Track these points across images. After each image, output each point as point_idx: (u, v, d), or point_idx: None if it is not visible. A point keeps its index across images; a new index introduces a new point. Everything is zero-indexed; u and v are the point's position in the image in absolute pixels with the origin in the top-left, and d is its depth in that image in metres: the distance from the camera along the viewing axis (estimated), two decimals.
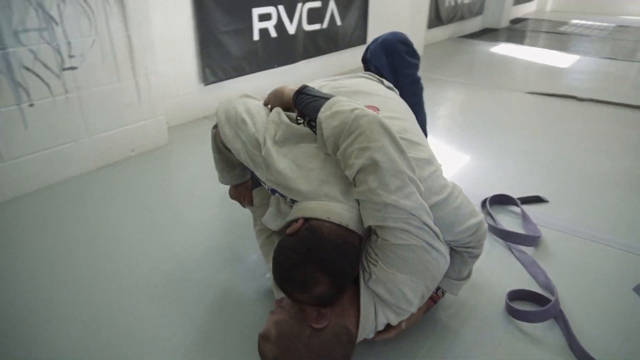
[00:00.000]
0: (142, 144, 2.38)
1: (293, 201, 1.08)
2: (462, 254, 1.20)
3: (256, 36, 3.02)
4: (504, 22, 7.07)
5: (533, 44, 5.96)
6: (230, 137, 1.18)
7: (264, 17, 3.03)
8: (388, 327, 1.14)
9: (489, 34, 6.55)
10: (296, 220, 1.03)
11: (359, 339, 1.07)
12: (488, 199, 1.94)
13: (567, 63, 4.75)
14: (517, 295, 1.40)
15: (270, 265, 1.18)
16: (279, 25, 3.17)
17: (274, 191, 1.14)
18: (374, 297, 1.05)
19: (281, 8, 3.14)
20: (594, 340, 1.25)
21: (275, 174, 1.07)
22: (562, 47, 5.76)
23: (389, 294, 1.03)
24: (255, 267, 1.54)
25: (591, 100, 3.41)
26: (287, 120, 1.14)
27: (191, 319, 1.33)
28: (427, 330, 1.30)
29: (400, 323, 1.14)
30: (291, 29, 3.28)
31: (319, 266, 0.96)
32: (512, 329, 1.31)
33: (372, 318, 1.07)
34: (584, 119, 3.07)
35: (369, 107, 1.14)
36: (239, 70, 3.01)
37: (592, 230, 1.78)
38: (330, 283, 0.97)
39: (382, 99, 1.29)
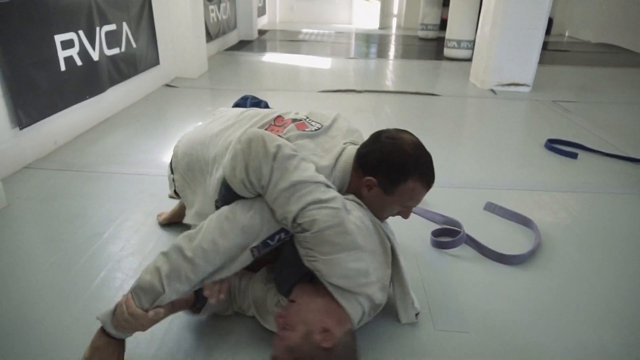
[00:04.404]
0: None
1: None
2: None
3: (63, 66, 2.65)
4: (255, 34, 7.83)
5: (289, 51, 6.87)
6: None
7: (67, 44, 2.68)
8: None
9: (246, 45, 7.16)
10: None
11: (357, 326, 1.19)
12: None
13: (326, 64, 5.74)
14: (438, 232, 1.88)
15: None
16: (83, 52, 2.85)
17: None
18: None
19: (81, 33, 2.83)
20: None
21: None
22: (313, 51, 6.85)
23: (344, 280, 1.12)
24: None
25: (366, 91, 4.33)
26: None
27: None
28: None
29: None
30: (95, 55, 2.99)
31: None
32: (440, 255, 1.78)
33: (357, 307, 1.16)
34: (370, 104, 3.90)
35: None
36: (52, 107, 2.60)
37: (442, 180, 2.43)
38: None
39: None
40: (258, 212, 1.14)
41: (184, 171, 1.52)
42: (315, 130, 1.36)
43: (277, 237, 1.16)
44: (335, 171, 1.27)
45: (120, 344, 1.14)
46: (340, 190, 1.25)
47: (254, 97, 1.93)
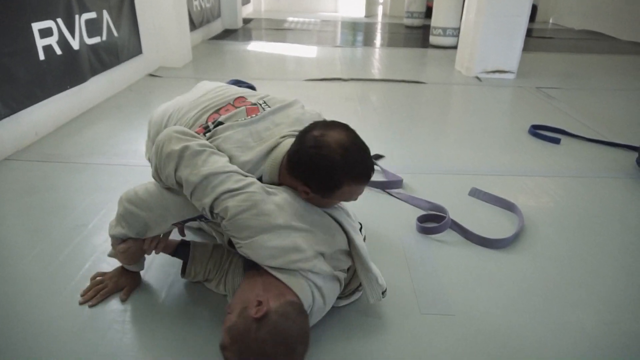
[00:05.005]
0: None
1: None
2: None
3: (42, 55, 2.59)
4: (239, 23, 7.74)
5: (274, 40, 6.81)
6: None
7: (46, 33, 2.62)
8: None
9: (231, 34, 7.07)
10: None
11: (318, 311, 1.19)
12: None
13: (312, 53, 5.70)
14: (423, 218, 1.89)
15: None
16: (62, 41, 2.79)
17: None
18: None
19: (60, 21, 2.76)
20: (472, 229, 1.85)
21: None
22: (299, 40, 6.80)
23: (273, 259, 1.12)
24: None
25: (352, 79, 4.32)
26: None
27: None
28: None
29: None
30: (75, 44, 2.92)
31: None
32: (426, 240, 1.79)
33: (301, 281, 1.14)
34: (356, 93, 3.89)
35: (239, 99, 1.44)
36: (32, 98, 2.54)
37: (428, 167, 2.45)
38: None
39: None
40: (175, 195, 1.23)
41: (153, 138, 1.54)
42: (254, 116, 1.31)
43: (197, 219, 1.27)
44: (263, 166, 1.24)
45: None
46: (272, 184, 1.23)
47: (238, 81, 1.92)
